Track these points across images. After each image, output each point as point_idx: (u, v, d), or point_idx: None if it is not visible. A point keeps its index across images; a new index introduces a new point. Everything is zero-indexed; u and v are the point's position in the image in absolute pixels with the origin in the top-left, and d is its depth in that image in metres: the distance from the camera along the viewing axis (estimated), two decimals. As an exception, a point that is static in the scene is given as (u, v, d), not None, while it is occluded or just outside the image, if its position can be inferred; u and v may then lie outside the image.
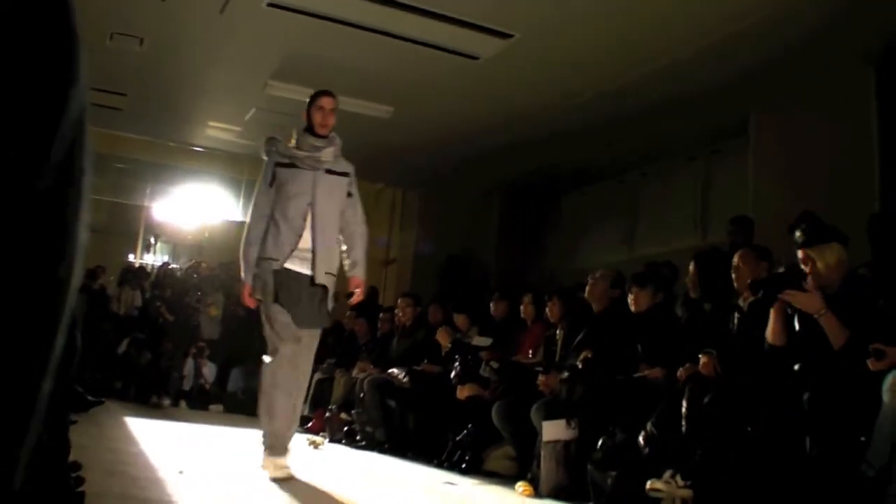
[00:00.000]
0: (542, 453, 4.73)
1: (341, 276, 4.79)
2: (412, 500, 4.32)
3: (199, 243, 14.64)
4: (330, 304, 4.65)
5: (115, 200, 13.38)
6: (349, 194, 4.72)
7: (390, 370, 7.19)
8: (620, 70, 6.57)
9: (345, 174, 4.69)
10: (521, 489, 4.76)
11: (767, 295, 3.84)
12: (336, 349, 8.83)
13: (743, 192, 7.00)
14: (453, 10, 5.84)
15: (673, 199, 8.46)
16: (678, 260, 6.10)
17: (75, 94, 0.53)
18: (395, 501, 4.26)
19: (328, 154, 4.57)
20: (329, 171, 4.60)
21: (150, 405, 9.55)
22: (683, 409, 4.00)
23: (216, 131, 9.56)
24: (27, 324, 0.53)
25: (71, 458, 3.15)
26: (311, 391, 7.63)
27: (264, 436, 4.48)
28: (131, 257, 14.98)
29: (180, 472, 4.15)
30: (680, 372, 4.31)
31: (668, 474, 3.86)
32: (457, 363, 6.27)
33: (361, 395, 7.12)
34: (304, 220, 4.50)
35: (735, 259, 4.48)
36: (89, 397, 7.04)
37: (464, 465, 5.59)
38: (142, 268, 13.39)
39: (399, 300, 8.27)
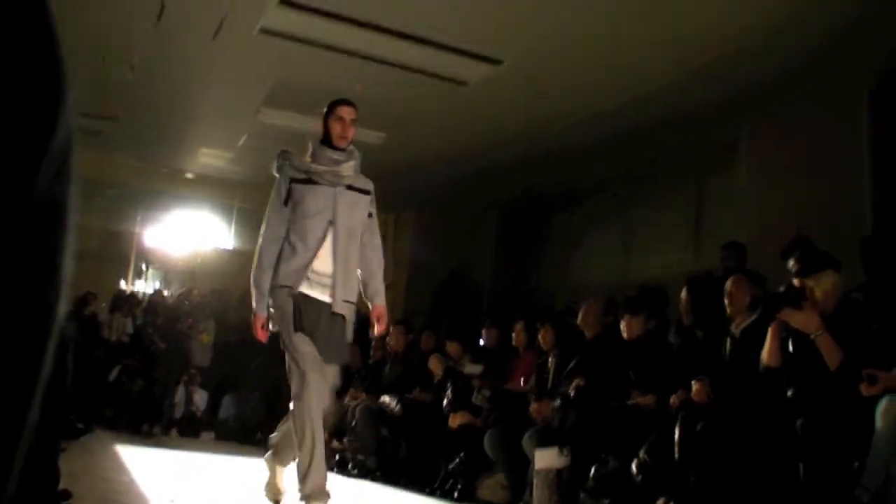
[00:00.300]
0: (535, 481, 4.71)
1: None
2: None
3: (190, 270, 14.56)
4: (349, 336, 4.10)
5: (107, 226, 13.33)
6: (369, 214, 4.17)
7: (382, 398, 7.15)
8: (610, 93, 6.62)
9: (366, 192, 4.14)
10: (514, 517, 4.74)
11: (765, 313, 3.85)
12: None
13: (736, 210, 7.03)
14: (443, 37, 5.89)
15: (666, 217, 8.49)
16: (673, 276, 6.10)
17: (62, 121, 0.53)
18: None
19: (348, 168, 4.03)
20: (350, 188, 4.05)
21: (141, 433, 9.47)
22: (676, 437, 3.99)
23: (208, 158, 9.57)
24: (14, 352, 0.53)
25: (61, 486, 3.12)
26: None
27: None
28: (123, 284, 14.90)
29: (172, 502, 4.11)
30: (672, 399, 4.31)
31: (661, 502, 3.85)
32: (449, 391, 6.24)
33: (353, 422, 7.08)
34: (324, 240, 3.94)
35: (728, 285, 4.48)
36: (79, 425, 6.98)
37: (456, 494, 5.56)
38: (133, 294, 13.32)
39: (391, 327, 8.23)
